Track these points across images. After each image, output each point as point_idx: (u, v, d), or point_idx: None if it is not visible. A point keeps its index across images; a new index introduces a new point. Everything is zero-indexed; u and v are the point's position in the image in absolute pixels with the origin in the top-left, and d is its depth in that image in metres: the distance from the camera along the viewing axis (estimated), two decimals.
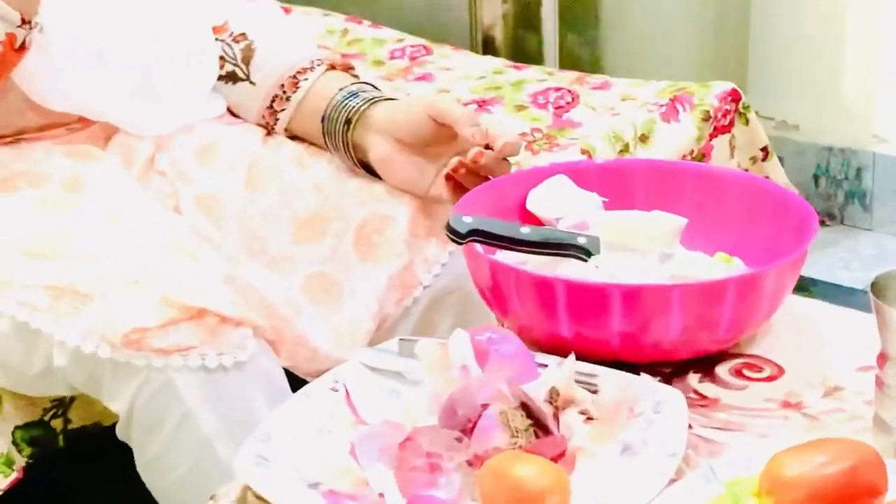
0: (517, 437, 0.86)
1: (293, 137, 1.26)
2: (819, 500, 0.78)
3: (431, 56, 1.88)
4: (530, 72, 1.81)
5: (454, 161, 1.13)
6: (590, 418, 0.90)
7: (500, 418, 0.87)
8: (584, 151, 1.53)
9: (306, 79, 1.24)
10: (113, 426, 1.08)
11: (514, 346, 0.93)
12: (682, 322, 0.96)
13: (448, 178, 1.15)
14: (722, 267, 1.06)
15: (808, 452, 0.80)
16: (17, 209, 1.12)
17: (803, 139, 2.44)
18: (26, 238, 1.09)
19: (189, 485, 1.04)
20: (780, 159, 2.35)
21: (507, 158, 1.14)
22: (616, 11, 2.24)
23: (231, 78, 1.28)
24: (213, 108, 1.27)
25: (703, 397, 0.97)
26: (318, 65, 1.25)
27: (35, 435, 1.16)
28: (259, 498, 0.86)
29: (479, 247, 1.03)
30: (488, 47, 2.05)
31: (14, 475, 1.15)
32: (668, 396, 0.92)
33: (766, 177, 1.62)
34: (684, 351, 0.99)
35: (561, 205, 1.11)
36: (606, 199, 1.12)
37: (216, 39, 1.27)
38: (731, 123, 1.63)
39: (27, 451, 1.16)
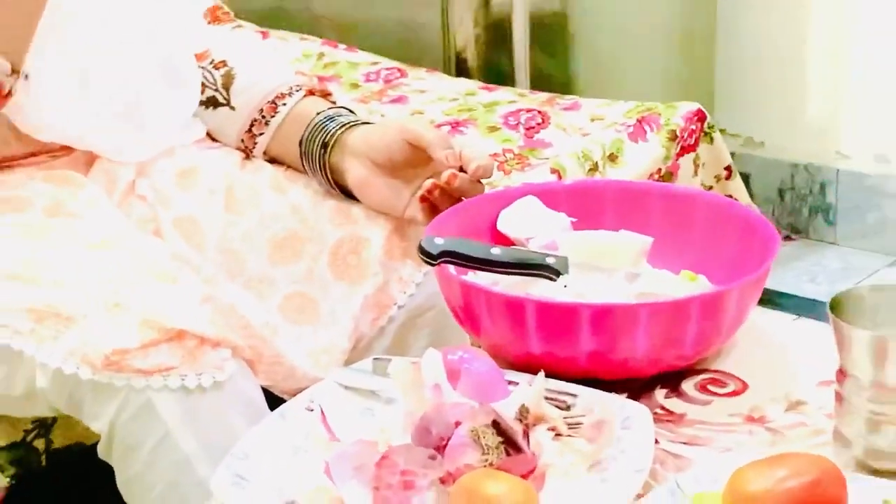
0: (488, 454, 0.86)
1: (272, 161, 1.27)
2: None
3: (406, 78, 1.87)
4: (502, 93, 1.81)
5: (428, 183, 1.13)
6: (559, 435, 0.90)
7: (472, 436, 0.86)
8: (554, 171, 1.53)
9: (284, 104, 1.25)
10: (94, 446, 1.08)
11: (486, 365, 0.93)
12: (649, 340, 0.96)
13: (423, 199, 1.15)
14: (687, 285, 1.06)
15: (771, 467, 0.80)
16: (4, 235, 1.11)
17: (769, 156, 2.46)
18: (8, 262, 1.08)
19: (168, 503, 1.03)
20: (747, 175, 2.37)
21: (480, 180, 1.14)
22: (586, 32, 2.24)
23: (212, 103, 1.28)
24: (192, 133, 1.27)
25: (670, 413, 0.97)
26: (297, 90, 1.26)
27: (17, 456, 1.15)
28: None
29: (451, 268, 1.03)
30: (461, 69, 2.05)
31: None
32: (635, 412, 0.92)
33: (730, 195, 1.62)
34: (651, 367, 1.00)
35: (531, 225, 1.11)
36: (575, 220, 1.12)
37: (198, 66, 1.28)
38: (697, 142, 1.64)
39: (10, 470, 1.15)
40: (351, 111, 1.24)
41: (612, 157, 1.58)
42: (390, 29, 2.06)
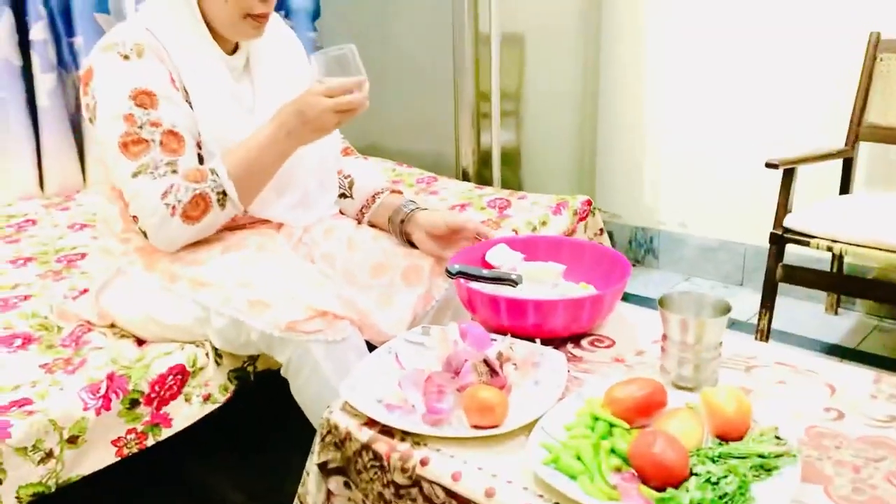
0: (481, 376, 0.86)
1: (372, 226, 1.26)
2: (632, 409, 0.79)
3: (437, 183, 1.87)
4: (487, 190, 1.81)
5: (466, 243, 1.15)
6: (516, 367, 0.90)
7: (473, 367, 0.87)
8: (514, 230, 1.52)
9: (379, 197, 1.25)
10: (279, 370, 1.07)
11: (480, 331, 0.92)
12: (564, 318, 0.96)
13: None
14: (583, 290, 1.06)
15: (628, 385, 0.81)
16: (235, 261, 1.11)
17: (623, 222, 2.44)
18: (238, 275, 1.07)
19: (318, 400, 1.02)
20: (612, 233, 2.36)
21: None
22: (529, 158, 2.23)
23: (342, 196, 1.28)
24: (332, 211, 1.26)
25: (575, 357, 0.96)
26: (386, 190, 1.26)
27: (238, 375, 1.13)
28: (351, 407, 0.86)
29: (462, 280, 1.03)
30: (465, 177, 2.04)
31: (227, 395, 1.12)
32: (556, 356, 0.91)
33: (601, 244, 1.62)
34: (565, 332, 0.99)
35: (502, 258, 1.10)
36: (525, 256, 1.12)
37: (338, 177, 1.28)
38: (586, 216, 1.63)
39: (234, 384, 1.13)
40: (414, 201, 1.24)
41: (543, 223, 1.58)
42: (427, 156, 2.05)
